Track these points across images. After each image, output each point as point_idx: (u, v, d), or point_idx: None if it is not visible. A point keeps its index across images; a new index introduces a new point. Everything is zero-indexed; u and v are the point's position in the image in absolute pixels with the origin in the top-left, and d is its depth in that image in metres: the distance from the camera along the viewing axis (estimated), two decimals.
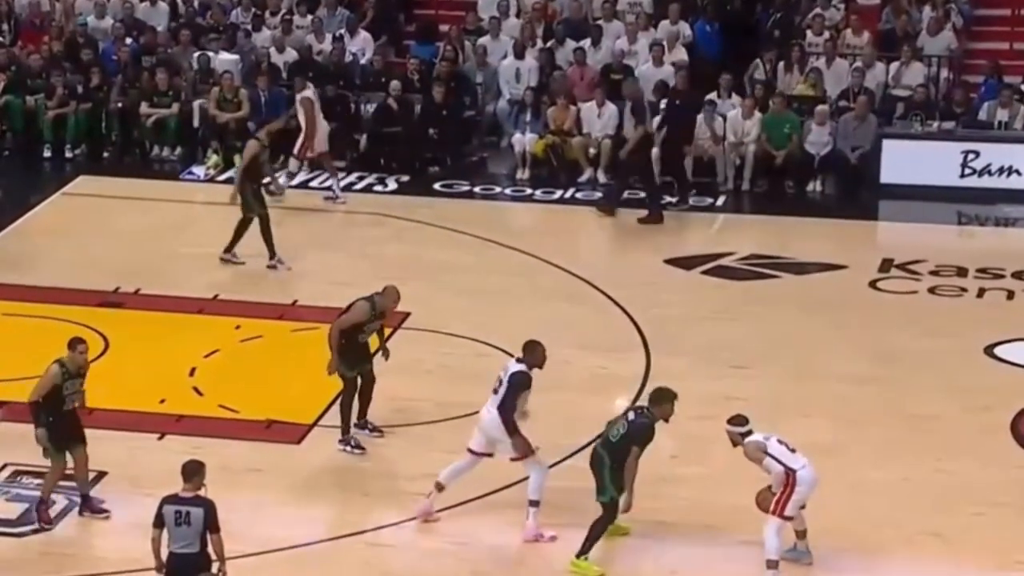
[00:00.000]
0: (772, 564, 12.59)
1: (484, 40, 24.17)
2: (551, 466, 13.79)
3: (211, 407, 15.80)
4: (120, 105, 23.38)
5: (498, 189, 22.18)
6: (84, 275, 18.69)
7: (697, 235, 19.96)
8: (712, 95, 22.69)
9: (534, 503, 13.34)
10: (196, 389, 16.20)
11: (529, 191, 22.12)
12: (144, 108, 23.20)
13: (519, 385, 13.27)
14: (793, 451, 12.73)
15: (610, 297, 18.16)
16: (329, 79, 23.25)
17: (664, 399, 13.03)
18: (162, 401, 15.89)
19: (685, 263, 19.37)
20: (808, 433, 14.39)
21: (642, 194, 20.87)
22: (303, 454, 15.00)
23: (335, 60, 23.86)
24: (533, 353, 13.44)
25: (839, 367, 16.60)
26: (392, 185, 22.18)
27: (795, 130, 22.14)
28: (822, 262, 19.45)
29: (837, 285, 18.89)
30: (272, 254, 18.77)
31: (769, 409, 15.49)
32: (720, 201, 21.84)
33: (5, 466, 14.59)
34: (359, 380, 14.85)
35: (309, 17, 24.85)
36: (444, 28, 24.88)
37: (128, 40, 24.47)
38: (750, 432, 12.84)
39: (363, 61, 24.20)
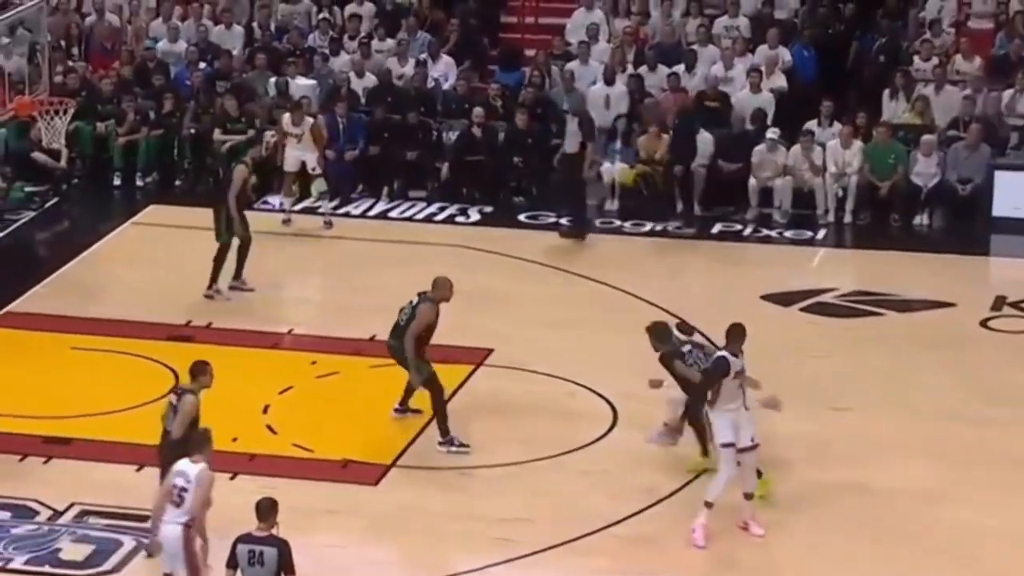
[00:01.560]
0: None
1: (572, 65, 24.27)
2: (639, 512, 13.85)
3: (285, 446, 15.94)
4: (193, 132, 23.67)
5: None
6: (154, 307, 18.92)
7: (796, 270, 19.92)
8: (811, 123, 22.68)
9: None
10: (270, 427, 16.36)
11: (618, 222, 22.18)
12: (217, 135, 23.47)
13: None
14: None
15: (703, 333, 18.14)
16: (410, 105, 23.45)
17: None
18: (234, 439, 15.99)
19: (783, 299, 19.34)
20: (912, 476, 14.35)
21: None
22: (380, 496, 15.09)
23: (416, 85, 24.06)
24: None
25: (946, 407, 16.54)
26: (474, 216, 22.30)
27: (901, 160, 22.08)
28: (929, 299, 19.35)
29: (945, 323, 18.80)
30: (237, 275, 19.45)
31: (869, 449, 15.50)
32: (820, 234, 21.79)
33: (72, 506, 14.77)
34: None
35: (389, 41, 25.05)
36: (530, 53, 25.01)
37: (202, 64, 24.77)
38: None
39: (446, 87, 24.38)
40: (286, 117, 22.00)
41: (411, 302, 15.86)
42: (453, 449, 15.55)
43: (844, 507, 13.83)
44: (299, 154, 21.87)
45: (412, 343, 15.54)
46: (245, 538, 11.82)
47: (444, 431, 15.63)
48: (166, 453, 13.57)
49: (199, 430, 12.87)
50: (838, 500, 14.78)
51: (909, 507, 14.71)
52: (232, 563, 11.81)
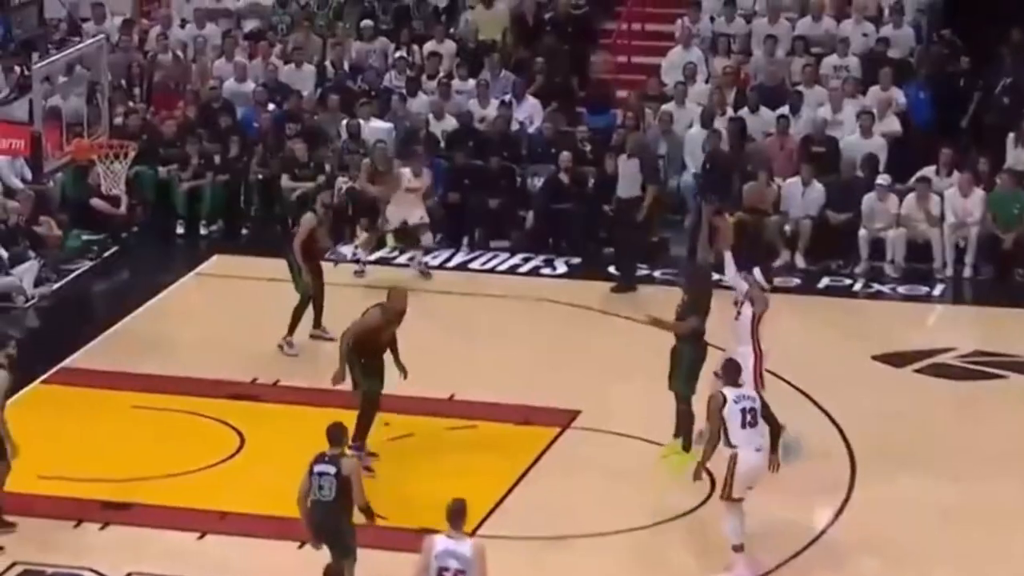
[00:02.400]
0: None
1: (668, 107, 24.32)
2: None
3: (356, 514, 15.94)
4: (260, 177, 23.88)
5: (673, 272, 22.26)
6: (219, 364, 19.06)
7: (911, 328, 19.81)
8: (928, 170, 22.59)
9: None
10: None
11: (716, 276, 22.11)
12: (285, 181, 23.66)
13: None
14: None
15: (808, 396, 18.09)
16: (493, 150, 23.56)
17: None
18: None
19: (896, 360, 19.23)
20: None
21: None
22: None
23: (500, 128, 24.17)
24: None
25: None
26: (561, 268, 22.32)
27: None
28: None
29: None
30: (316, 323, 19.89)
31: (996, 521, 15.40)
32: (938, 290, 21.68)
33: (128, 575, 14.87)
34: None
35: (471, 81, 25.19)
36: (622, 94, 25.08)
37: (270, 106, 25.00)
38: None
39: (531, 130, 24.47)
40: (407, 170, 22.18)
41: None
42: (361, 456, 16.00)
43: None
44: (406, 210, 22.16)
45: (346, 340, 16.46)
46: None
47: (361, 436, 16.48)
48: (326, 519, 14.08)
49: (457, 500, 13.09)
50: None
51: None
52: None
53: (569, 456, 16.97)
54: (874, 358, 19.29)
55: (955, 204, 22.12)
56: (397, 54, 25.96)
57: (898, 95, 24.07)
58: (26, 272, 21.59)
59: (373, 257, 22.49)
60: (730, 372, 14.96)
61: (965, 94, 24.15)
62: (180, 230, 23.78)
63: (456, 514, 12.90)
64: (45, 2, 27.57)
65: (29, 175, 23.30)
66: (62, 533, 15.56)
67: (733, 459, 14.42)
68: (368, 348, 16.53)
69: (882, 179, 22.42)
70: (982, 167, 22.51)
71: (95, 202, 23.19)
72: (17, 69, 24.92)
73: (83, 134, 20.17)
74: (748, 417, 14.52)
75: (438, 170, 23.52)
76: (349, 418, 17.72)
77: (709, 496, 16.19)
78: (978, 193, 22.13)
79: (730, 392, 14.67)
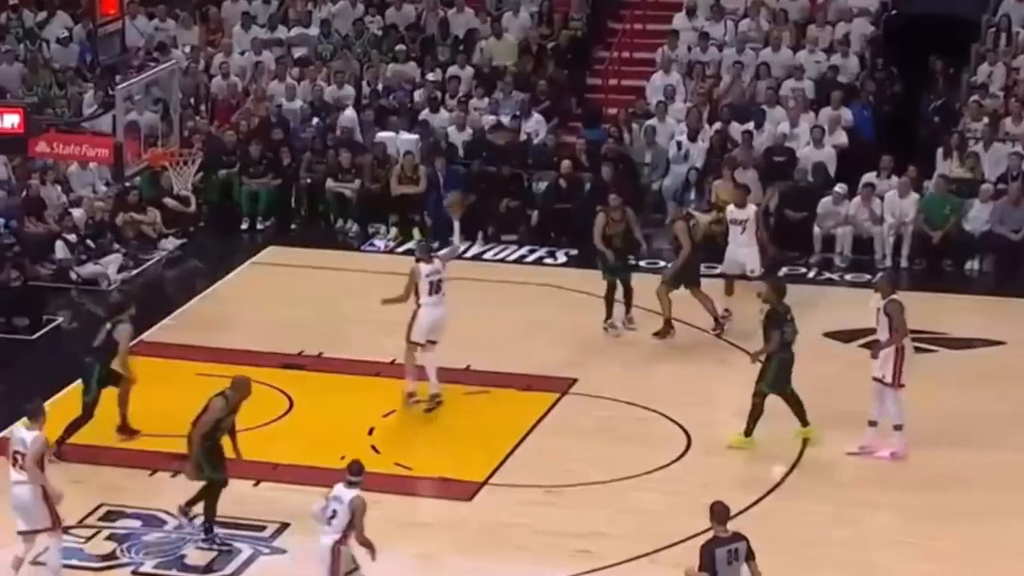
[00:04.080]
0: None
1: (652, 122, 24.29)
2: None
3: (388, 464, 16.00)
4: (308, 181, 23.88)
5: (662, 264, 22.20)
6: (271, 338, 19.06)
7: (855, 310, 19.70)
8: (871, 175, 22.57)
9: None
10: (374, 447, 16.44)
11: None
12: (330, 184, 23.66)
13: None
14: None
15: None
16: (504, 158, 23.53)
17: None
18: (342, 458, 15.96)
19: (844, 336, 19.21)
20: (966, 502, 14.21)
21: None
22: (473, 511, 15.10)
23: (510, 139, 24.12)
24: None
25: (1003, 439, 16.34)
26: (562, 258, 22.32)
27: (955, 212, 21.92)
28: (981, 338, 19.16)
29: (997, 360, 18.59)
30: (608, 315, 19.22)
31: (929, 481, 15.40)
32: (878, 278, 21.58)
33: (196, 516, 14.88)
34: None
35: (486, 100, 25.14)
36: (612, 111, 25.04)
37: (315, 120, 24.98)
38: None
39: (536, 141, 24.44)
40: (731, 207, 19.73)
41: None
42: (184, 521, 14.66)
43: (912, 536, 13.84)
44: (742, 252, 19.48)
45: (197, 437, 14.37)
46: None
47: (186, 507, 14.71)
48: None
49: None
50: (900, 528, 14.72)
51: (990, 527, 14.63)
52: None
53: (566, 417, 16.98)
54: (825, 335, 19.26)
55: (893, 206, 22.10)
56: (425, 76, 25.90)
57: (846, 113, 24.01)
58: (111, 262, 21.63)
59: (401, 249, 22.48)
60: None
61: (902, 113, 24.10)
62: (243, 226, 23.71)
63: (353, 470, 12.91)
64: (126, 32, 27.50)
65: (110, 179, 23.35)
66: (139, 480, 15.61)
67: None
68: (211, 437, 14.59)
69: (839, 188, 22.39)
70: (912, 174, 22.43)
71: (167, 201, 23.19)
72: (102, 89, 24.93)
73: (157, 144, 20.17)
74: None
75: (456, 175, 23.48)
76: (384, 385, 17.87)
77: (684, 453, 16.24)
78: (912, 196, 22.10)
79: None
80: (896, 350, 15.90)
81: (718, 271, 19.73)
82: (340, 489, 12.82)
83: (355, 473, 12.98)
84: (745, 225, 19.51)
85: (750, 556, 11.89)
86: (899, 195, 22.08)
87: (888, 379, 15.93)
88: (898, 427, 15.97)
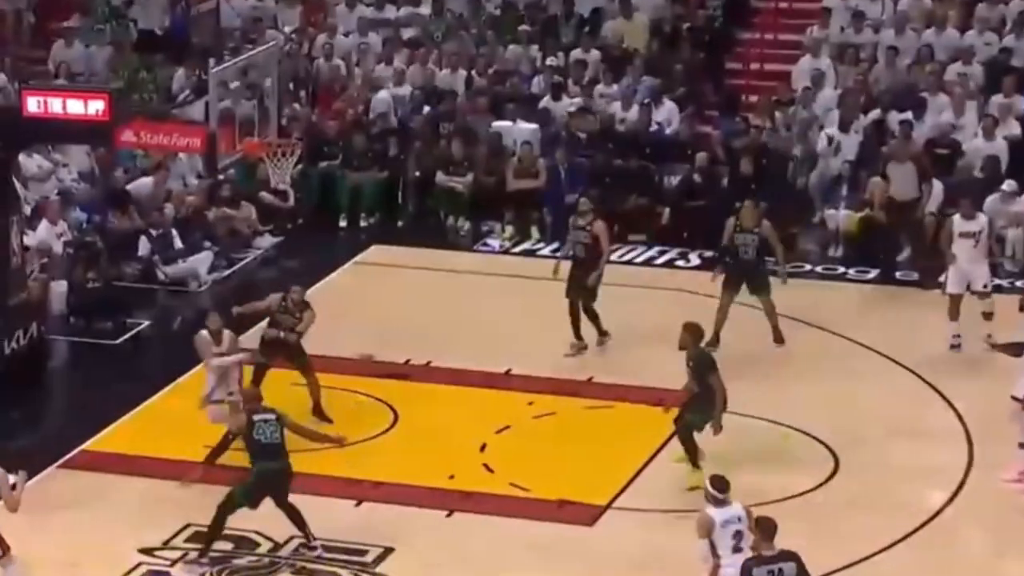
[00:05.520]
0: None
1: (800, 111, 24.15)
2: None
3: (502, 485, 16.08)
4: (417, 173, 24.04)
5: (808, 267, 22.09)
6: (374, 346, 19.20)
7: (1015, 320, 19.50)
8: None
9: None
10: (486, 466, 16.52)
11: (842, 269, 22.01)
12: (440, 177, 23.80)
13: None
14: (738, 550, 12.41)
15: (928, 383, 17.92)
16: (632, 150, 23.54)
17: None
18: (451, 477, 16.23)
19: (1015, 349, 18.93)
20: None
21: None
22: (596, 536, 15.12)
23: (639, 130, 24.13)
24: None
25: None
26: (695, 260, 22.27)
27: None
28: None
29: None
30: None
31: None
32: None
33: (292, 539, 15.04)
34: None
35: (614, 86, 25.16)
36: (753, 99, 24.95)
37: (426, 108, 25.14)
38: (722, 502, 12.66)
39: (668, 131, 24.42)
40: (957, 218, 19.32)
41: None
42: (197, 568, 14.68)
43: None
44: (972, 268, 19.04)
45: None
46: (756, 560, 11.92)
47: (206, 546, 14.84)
48: None
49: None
50: None
51: None
52: None
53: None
54: (993, 347, 19.00)
55: None
56: (546, 61, 25.97)
57: (1019, 102, 23.71)
58: (201, 261, 21.93)
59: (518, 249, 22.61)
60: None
61: None
62: (343, 223, 23.92)
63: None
64: (222, 11, 27.95)
65: (202, 170, 23.69)
66: None
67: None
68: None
69: (1008, 184, 22.09)
70: None
71: (264, 196, 23.48)
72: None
73: (253, 133, 20.43)
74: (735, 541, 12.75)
75: (580, 169, 23.53)
76: (497, 397, 17.96)
77: (831, 477, 16.15)
78: None
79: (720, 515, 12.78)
80: None
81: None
82: (727, 511, 12.66)
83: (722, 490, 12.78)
84: (978, 237, 19.12)
85: None
86: None
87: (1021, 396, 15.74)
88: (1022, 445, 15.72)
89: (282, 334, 17.51)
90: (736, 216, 18.85)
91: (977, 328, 19.07)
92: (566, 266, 18.99)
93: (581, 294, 18.71)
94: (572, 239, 18.76)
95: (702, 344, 16.33)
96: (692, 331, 15.99)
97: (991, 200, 22.01)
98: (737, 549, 12.59)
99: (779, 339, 18.88)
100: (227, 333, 17.26)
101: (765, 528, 12.04)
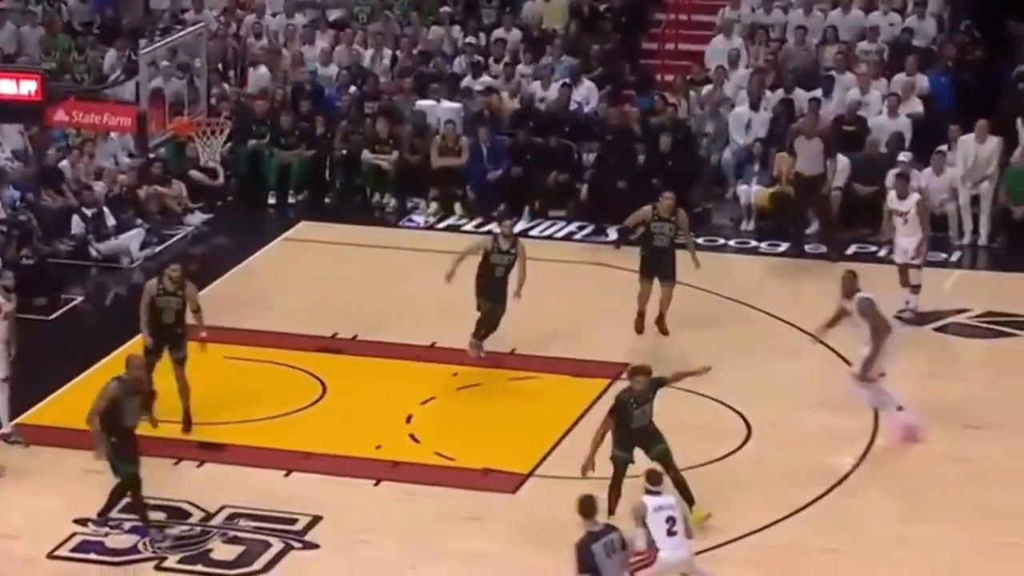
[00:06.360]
0: None
1: (711, 90, 24.18)
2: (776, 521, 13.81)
3: (427, 454, 16.05)
4: (343, 152, 23.91)
5: (722, 241, 22.17)
6: (303, 320, 19.12)
7: (929, 291, 19.67)
8: (944, 147, 22.42)
9: None
10: (412, 436, 16.49)
11: (754, 243, 22.10)
12: (366, 155, 23.69)
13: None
14: (672, 533, 12.64)
15: (836, 352, 18.01)
16: (553, 128, 23.50)
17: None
18: (378, 447, 16.19)
19: (916, 319, 19.11)
20: None
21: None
22: (519, 503, 15.12)
23: (559, 108, 24.10)
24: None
25: None
26: (612, 235, 22.24)
27: None
28: None
29: None
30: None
31: (1007, 471, 15.32)
32: (954, 256, 21.52)
33: (223, 508, 14.98)
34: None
35: (533, 66, 25.10)
36: (669, 79, 24.96)
37: (352, 88, 25.00)
38: (655, 493, 12.94)
39: (587, 110, 24.39)
40: (891, 193, 19.52)
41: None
42: (102, 530, 14.50)
43: (978, 523, 13.66)
44: (905, 242, 19.15)
45: (94, 421, 14.33)
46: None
47: (104, 512, 14.60)
48: None
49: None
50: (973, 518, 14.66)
51: None
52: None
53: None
54: (896, 317, 19.12)
55: (968, 150, 21.74)
56: (466, 40, 25.88)
57: (922, 80, 23.84)
58: (133, 238, 21.73)
59: (442, 225, 22.56)
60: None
61: (982, 80, 23.89)
62: (271, 200, 23.76)
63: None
64: None
65: (133, 150, 23.46)
66: (163, 470, 15.65)
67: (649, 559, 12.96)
68: (116, 425, 14.43)
69: (904, 156, 22.21)
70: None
71: (194, 174, 23.28)
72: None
73: (183, 113, 20.26)
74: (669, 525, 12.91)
75: (501, 146, 23.47)
76: (422, 370, 17.91)
77: (745, 442, 16.22)
78: (992, 140, 21.79)
79: (653, 504, 12.97)
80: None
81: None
82: (659, 499, 12.87)
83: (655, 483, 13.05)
84: (907, 217, 19.17)
85: (624, 546, 12.09)
86: (977, 139, 21.70)
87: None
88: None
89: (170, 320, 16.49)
90: (654, 206, 18.68)
91: (895, 297, 19.17)
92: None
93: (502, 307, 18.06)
94: (498, 262, 18.05)
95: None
96: (642, 371, 15.03)
97: (891, 174, 22.09)
98: (671, 532, 12.73)
99: (664, 331, 18.62)
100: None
101: (587, 506, 12.15)
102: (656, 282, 18.54)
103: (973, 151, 21.82)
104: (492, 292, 17.79)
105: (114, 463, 14.41)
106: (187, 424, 16.46)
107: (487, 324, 17.86)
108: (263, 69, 25.17)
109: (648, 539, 12.74)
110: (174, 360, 16.48)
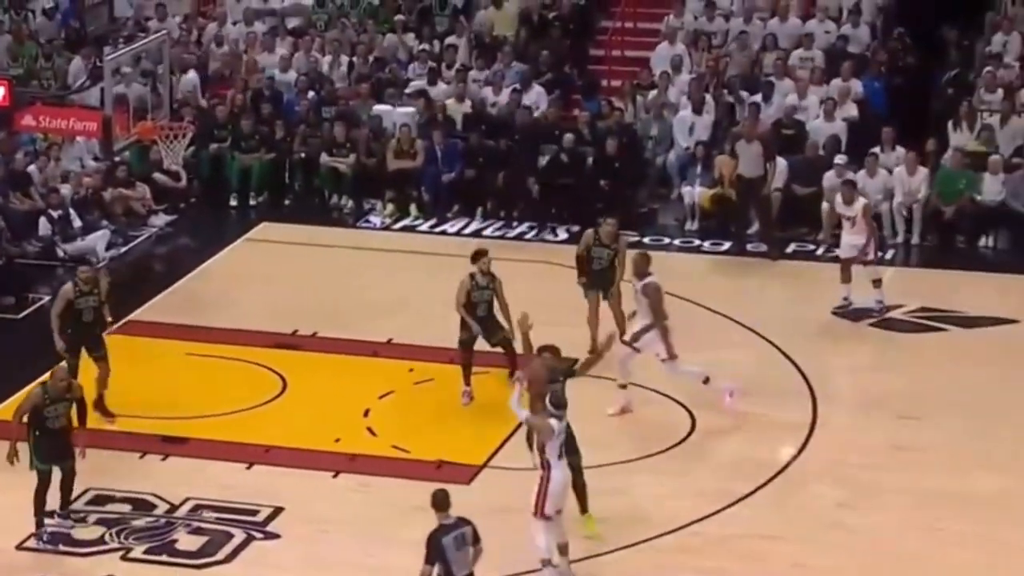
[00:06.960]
0: (544, 562, 13.15)
1: (656, 95, 24.25)
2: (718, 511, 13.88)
3: (384, 447, 16.08)
4: (302, 155, 23.88)
5: (667, 240, 22.26)
6: (264, 318, 19.12)
7: (866, 288, 19.80)
8: (877, 148, 22.57)
9: None
10: (370, 429, 16.51)
11: (698, 242, 22.19)
12: (324, 158, 23.67)
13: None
14: (562, 457, 13.27)
15: (776, 346, 18.13)
16: (503, 131, 23.53)
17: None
18: (337, 440, 16.20)
19: (853, 315, 19.24)
20: (983, 483, 14.28)
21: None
22: (473, 495, 15.14)
23: (510, 112, 24.12)
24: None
25: (1013, 419, 16.40)
26: (562, 235, 22.33)
27: (970, 186, 21.91)
28: (993, 316, 19.19)
29: (1008, 339, 18.62)
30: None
31: (942, 458, 15.45)
32: (889, 255, 21.66)
33: (187, 500, 14.97)
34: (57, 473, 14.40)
35: (485, 71, 25.12)
36: (616, 84, 25.02)
37: (310, 93, 24.97)
38: (559, 417, 13.35)
39: (536, 114, 24.41)
40: (838, 197, 19.67)
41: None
42: (42, 544, 14.34)
43: (920, 513, 13.79)
44: (853, 239, 19.25)
45: (18, 418, 14.39)
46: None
47: (39, 523, 14.45)
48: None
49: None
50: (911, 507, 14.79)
51: (983, 513, 14.71)
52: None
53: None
54: (834, 313, 19.29)
55: (903, 182, 22.09)
56: (420, 47, 25.88)
57: (856, 85, 23.99)
58: (99, 239, 21.65)
59: (398, 226, 22.56)
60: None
61: (915, 85, 24.07)
62: (233, 202, 23.70)
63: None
64: (115, 1, 27.60)
65: (99, 153, 23.35)
66: (129, 463, 15.66)
67: (546, 478, 13.24)
68: (41, 426, 14.36)
69: (839, 158, 22.37)
70: (930, 147, 22.45)
71: (157, 177, 23.21)
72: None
73: (147, 117, 20.22)
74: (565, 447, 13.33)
75: (454, 149, 23.48)
76: (380, 365, 17.91)
77: (688, 435, 16.30)
78: (922, 172, 22.08)
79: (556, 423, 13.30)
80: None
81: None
82: (560, 424, 13.25)
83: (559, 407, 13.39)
84: (854, 220, 19.26)
85: (476, 540, 12.15)
86: (908, 172, 22.05)
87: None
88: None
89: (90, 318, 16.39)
90: (596, 231, 18.39)
91: (831, 294, 19.31)
92: None
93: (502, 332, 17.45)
94: (478, 298, 17.48)
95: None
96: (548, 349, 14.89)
97: (828, 175, 22.25)
98: (561, 456, 13.23)
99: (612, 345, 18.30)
100: None
101: (440, 500, 12.17)
102: (600, 296, 18.18)
103: (907, 182, 21.99)
104: (488, 325, 17.30)
105: (31, 458, 14.33)
106: (102, 410, 16.30)
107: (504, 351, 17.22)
108: (192, 74, 25.04)
109: (544, 458, 13.06)
110: (95, 359, 16.41)
